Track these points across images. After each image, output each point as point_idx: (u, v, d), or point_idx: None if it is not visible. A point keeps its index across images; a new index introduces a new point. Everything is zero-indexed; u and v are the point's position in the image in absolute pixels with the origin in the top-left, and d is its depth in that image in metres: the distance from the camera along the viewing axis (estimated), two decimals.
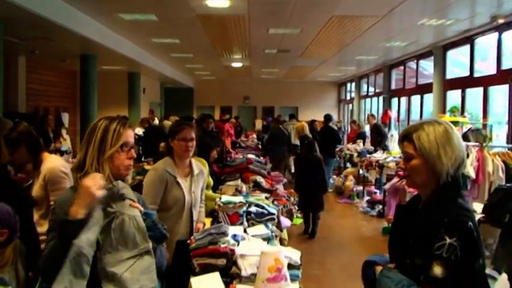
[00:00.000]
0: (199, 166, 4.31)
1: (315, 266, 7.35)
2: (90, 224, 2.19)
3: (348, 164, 14.99)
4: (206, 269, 3.27)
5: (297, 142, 14.25)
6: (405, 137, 2.30)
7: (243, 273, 3.16)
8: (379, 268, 2.37)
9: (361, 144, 14.48)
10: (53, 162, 3.86)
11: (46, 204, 3.78)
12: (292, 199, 8.56)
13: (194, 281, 3.08)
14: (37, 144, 3.85)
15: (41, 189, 3.77)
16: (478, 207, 6.12)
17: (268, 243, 3.85)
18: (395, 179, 9.39)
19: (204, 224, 4.36)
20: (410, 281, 2.13)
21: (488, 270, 2.22)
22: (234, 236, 3.64)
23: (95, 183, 2.20)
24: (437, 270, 2.04)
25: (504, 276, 4.72)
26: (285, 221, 5.77)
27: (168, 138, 4.20)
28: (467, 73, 11.90)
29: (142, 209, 2.36)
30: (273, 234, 4.23)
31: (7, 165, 3.56)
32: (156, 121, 16.17)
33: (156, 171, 4.05)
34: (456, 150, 2.20)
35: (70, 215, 2.16)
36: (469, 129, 8.75)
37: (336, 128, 16.74)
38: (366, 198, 12.19)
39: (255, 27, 11.38)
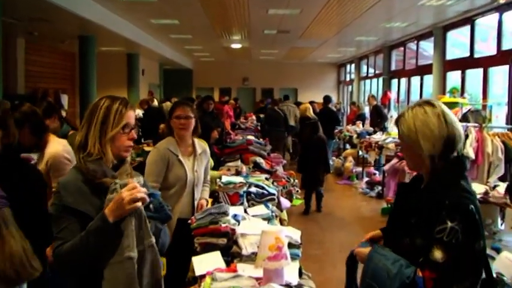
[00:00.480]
0: (202, 146, 4.35)
1: (315, 246, 7.40)
2: (128, 232, 2.22)
3: (347, 146, 15.03)
4: (207, 248, 3.30)
5: (293, 123, 14.31)
6: (396, 122, 2.34)
7: (244, 252, 3.19)
8: (366, 249, 2.34)
9: (361, 125, 14.48)
10: (55, 148, 3.79)
11: (48, 189, 3.77)
12: (292, 180, 8.62)
13: (195, 260, 3.10)
14: (41, 126, 3.76)
15: (44, 174, 3.70)
16: (477, 187, 6.16)
17: (268, 223, 3.89)
18: (395, 160, 9.41)
19: (208, 202, 4.39)
20: (407, 262, 2.11)
21: (487, 251, 2.21)
22: (235, 216, 3.66)
23: (131, 194, 2.16)
24: (438, 254, 2.04)
25: (503, 254, 4.77)
26: (285, 202, 5.81)
27: (168, 119, 4.23)
28: (467, 54, 11.86)
29: (146, 197, 2.27)
30: (273, 214, 4.26)
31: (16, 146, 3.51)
32: (156, 103, 16.12)
33: (159, 150, 4.08)
34: (436, 131, 2.16)
35: (109, 218, 2.16)
36: (469, 110, 8.74)
37: (335, 109, 16.73)
38: (365, 179, 12.23)
39: (254, 7, 11.32)
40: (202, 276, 2.88)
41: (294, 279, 2.90)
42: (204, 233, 3.36)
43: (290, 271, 2.95)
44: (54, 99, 14.48)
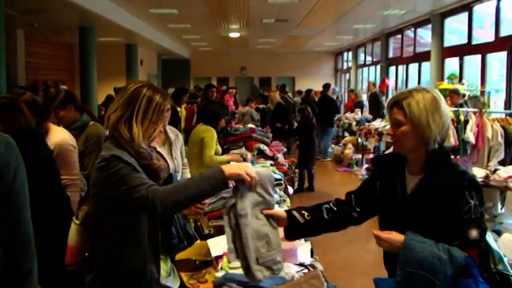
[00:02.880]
0: (174, 131, 4.24)
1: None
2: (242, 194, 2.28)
3: (346, 133, 15.13)
4: (220, 231, 3.39)
5: None
6: (395, 104, 2.33)
7: None
8: (396, 236, 2.24)
9: (359, 112, 14.57)
10: (61, 136, 3.81)
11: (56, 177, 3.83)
12: (293, 167, 8.76)
13: (211, 242, 3.20)
14: (41, 113, 3.76)
15: None
16: (477, 171, 6.28)
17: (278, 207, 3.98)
18: None
19: None
20: (443, 244, 2.16)
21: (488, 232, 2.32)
22: None
23: (249, 172, 2.24)
24: (474, 232, 2.16)
25: (505, 236, 4.89)
26: (289, 188, 5.91)
27: None
28: (465, 41, 11.94)
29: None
30: (281, 198, 4.36)
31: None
32: None
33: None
34: (444, 117, 2.27)
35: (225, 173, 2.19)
36: (467, 96, 8.84)
37: (334, 97, 16.82)
38: (365, 166, 12.32)
39: None
40: (219, 257, 2.99)
41: (307, 259, 3.01)
42: (217, 216, 3.46)
43: (303, 251, 3.06)
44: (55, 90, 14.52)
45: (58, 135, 3.78)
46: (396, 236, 2.21)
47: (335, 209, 2.58)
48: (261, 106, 15.56)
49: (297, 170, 9.66)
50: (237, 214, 2.24)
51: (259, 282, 2.31)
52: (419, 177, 2.32)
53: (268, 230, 2.34)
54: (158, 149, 3.92)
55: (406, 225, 2.28)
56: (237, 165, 2.31)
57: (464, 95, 8.64)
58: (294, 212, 2.52)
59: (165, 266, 2.43)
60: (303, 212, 2.52)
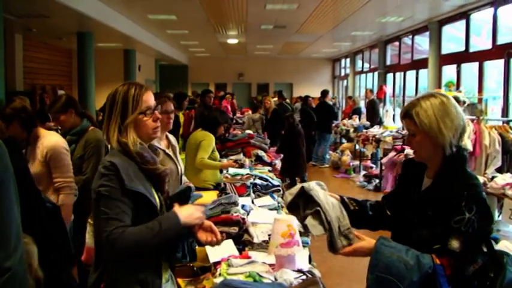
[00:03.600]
0: (171, 135, 4.24)
1: (315, 237, 7.49)
2: None
3: (343, 140, 15.15)
4: None
5: None
6: (405, 115, 2.35)
7: (255, 240, 3.30)
8: (366, 244, 2.34)
9: (357, 119, 14.59)
10: (54, 140, 3.90)
11: (46, 181, 3.85)
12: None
13: (209, 248, 3.19)
14: (31, 120, 3.85)
15: (42, 166, 3.82)
16: None
17: (276, 213, 3.99)
18: (392, 153, 9.53)
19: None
20: (417, 251, 2.19)
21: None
22: (243, 207, 3.77)
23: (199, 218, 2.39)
24: (455, 244, 2.15)
25: (502, 243, 4.89)
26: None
27: None
28: (462, 48, 11.98)
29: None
30: (279, 204, 4.36)
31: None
32: None
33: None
34: (455, 120, 2.26)
35: (182, 220, 2.29)
36: (465, 104, 8.85)
37: (331, 103, 16.85)
38: (363, 172, 12.34)
39: (252, 2, 11.37)
40: (217, 263, 2.98)
41: (305, 266, 3.01)
42: (216, 222, 3.45)
43: (301, 258, 3.06)
44: (52, 96, 14.54)
45: (51, 139, 3.87)
46: (367, 243, 2.32)
47: (376, 208, 2.62)
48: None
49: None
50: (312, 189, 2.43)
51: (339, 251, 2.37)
52: (431, 181, 2.35)
53: (336, 202, 2.46)
54: (167, 151, 3.93)
55: (411, 227, 2.32)
56: (190, 213, 2.34)
57: (464, 102, 8.66)
58: (346, 198, 2.59)
59: (165, 274, 2.43)
60: (352, 202, 2.59)
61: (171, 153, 3.96)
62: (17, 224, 1.89)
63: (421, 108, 2.28)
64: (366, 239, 2.34)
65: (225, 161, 6.14)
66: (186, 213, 2.31)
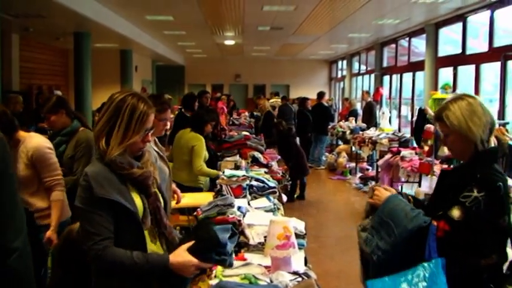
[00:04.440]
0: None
1: (311, 239, 7.43)
2: None
3: (340, 142, 15.17)
4: None
5: None
6: (437, 119, 2.57)
7: (251, 242, 3.29)
8: (386, 192, 2.62)
9: (354, 121, 14.62)
10: (36, 141, 3.91)
11: (37, 182, 3.87)
12: (287, 175, 8.78)
13: None
14: (11, 125, 3.80)
15: (28, 168, 3.82)
16: None
17: (272, 215, 3.99)
18: (388, 155, 9.54)
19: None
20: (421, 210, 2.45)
21: None
22: (239, 208, 3.77)
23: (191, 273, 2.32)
24: (456, 213, 2.31)
25: None
26: (282, 196, 5.92)
27: None
28: (459, 50, 12.00)
29: None
30: (275, 206, 4.37)
31: None
32: None
33: (150, 153, 3.95)
34: (483, 118, 2.44)
35: (172, 267, 2.26)
36: None
37: (327, 105, 16.87)
38: (359, 174, 12.36)
39: (249, 3, 11.35)
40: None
41: (301, 268, 3.01)
42: None
43: (296, 260, 3.06)
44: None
45: (33, 141, 3.89)
46: (385, 193, 2.62)
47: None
48: (255, 113, 15.60)
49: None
50: None
51: None
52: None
53: None
54: (161, 153, 3.94)
55: (433, 209, 2.52)
56: (187, 266, 2.27)
57: None
58: (403, 192, 2.83)
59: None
60: (409, 197, 2.76)
61: (164, 155, 3.96)
62: (20, 208, 1.93)
63: (450, 110, 2.48)
64: (390, 189, 2.67)
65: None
66: (180, 265, 2.27)
